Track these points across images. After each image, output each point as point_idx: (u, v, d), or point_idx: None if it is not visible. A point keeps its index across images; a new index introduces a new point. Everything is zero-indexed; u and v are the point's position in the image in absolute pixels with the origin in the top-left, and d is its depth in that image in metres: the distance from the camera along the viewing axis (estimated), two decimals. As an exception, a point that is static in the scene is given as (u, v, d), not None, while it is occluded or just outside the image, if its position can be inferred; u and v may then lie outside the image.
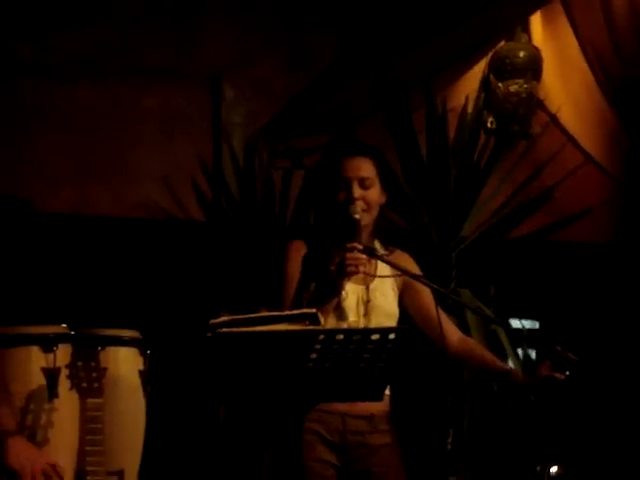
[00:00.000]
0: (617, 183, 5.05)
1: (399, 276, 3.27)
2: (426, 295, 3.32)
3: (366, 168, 3.26)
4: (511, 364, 4.21)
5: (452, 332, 3.34)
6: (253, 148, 5.04)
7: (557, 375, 3.12)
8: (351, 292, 3.22)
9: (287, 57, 5.14)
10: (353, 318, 3.23)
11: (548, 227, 4.70)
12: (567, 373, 3.10)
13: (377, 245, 3.32)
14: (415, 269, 3.35)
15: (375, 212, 3.28)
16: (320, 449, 3.19)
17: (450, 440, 4.19)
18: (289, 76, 5.12)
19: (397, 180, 4.52)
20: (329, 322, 3.15)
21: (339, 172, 3.25)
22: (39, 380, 3.55)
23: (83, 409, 3.54)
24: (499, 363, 3.33)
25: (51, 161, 4.85)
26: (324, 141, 4.80)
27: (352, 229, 3.20)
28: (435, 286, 3.27)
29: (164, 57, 5.02)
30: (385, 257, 3.25)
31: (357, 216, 3.21)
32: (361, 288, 3.26)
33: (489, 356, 3.35)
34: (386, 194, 3.30)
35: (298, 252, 3.28)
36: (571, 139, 5.08)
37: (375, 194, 3.27)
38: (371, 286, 3.27)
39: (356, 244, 3.15)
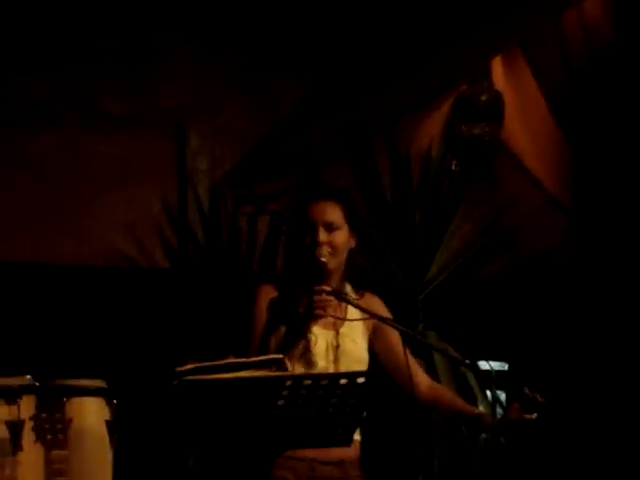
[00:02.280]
0: (579, 222, 5.08)
1: (368, 319, 3.27)
2: (396, 340, 3.32)
3: (332, 212, 3.27)
4: (480, 406, 4.20)
5: (421, 378, 3.34)
6: (218, 194, 5.04)
7: (526, 417, 3.11)
8: (320, 337, 3.22)
9: (250, 102, 5.16)
10: (322, 364, 3.21)
11: (513, 268, 4.72)
12: (535, 415, 3.09)
13: (348, 289, 3.32)
14: (384, 311, 3.35)
15: (343, 256, 3.28)
16: (289, 496, 3.16)
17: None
18: (253, 121, 5.14)
19: (362, 223, 4.53)
20: (298, 368, 3.14)
21: (306, 216, 3.26)
22: (2, 433, 3.50)
23: (48, 462, 3.50)
24: (469, 408, 3.32)
25: (13, 208, 4.82)
26: (288, 185, 4.81)
27: (319, 272, 3.20)
28: (403, 328, 3.26)
29: (127, 104, 5.03)
30: (354, 300, 3.25)
31: (323, 259, 3.22)
32: (331, 333, 3.25)
33: (458, 401, 3.34)
34: (355, 238, 3.31)
35: (266, 296, 3.27)
36: (533, 180, 5.12)
37: (342, 238, 3.27)
38: (341, 331, 3.26)
39: (324, 287, 3.15)
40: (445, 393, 3.39)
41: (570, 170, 5.10)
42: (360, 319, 3.26)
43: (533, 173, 5.12)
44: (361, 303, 3.26)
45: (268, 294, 3.27)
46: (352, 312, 3.27)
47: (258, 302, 3.26)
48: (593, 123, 4.96)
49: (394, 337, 3.31)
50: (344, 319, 3.25)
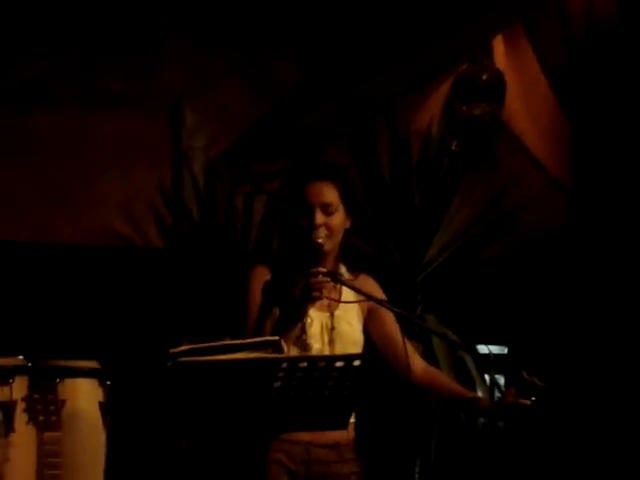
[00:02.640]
0: (580, 203, 5.06)
1: (364, 301, 3.24)
2: (391, 322, 3.29)
3: (329, 193, 3.23)
4: (478, 390, 4.19)
5: (416, 361, 3.31)
6: (214, 173, 5.01)
7: (522, 401, 3.09)
8: (315, 319, 3.19)
9: (248, 81, 5.13)
10: (317, 346, 3.19)
11: (514, 250, 4.70)
12: (533, 399, 3.07)
13: (343, 270, 3.29)
14: (379, 293, 3.32)
15: (339, 237, 3.25)
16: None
17: (418, 469, 4.17)
18: (250, 100, 5.11)
19: (360, 204, 4.50)
20: (293, 350, 3.12)
21: (302, 198, 3.22)
22: (-5, 414, 3.48)
23: (40, 443, 3.50)
24: (464, 391, 3.29)
25: (7, 188, 4.79)
26: (286, 166, 4.78)
27: (315, 254, 3.17)
28: (400, 311, 3.24)
29: (123, 82, 5.00)
30: (349, 282, 3.22)
31: (320, 241, 3.19)
32: (325, 315, 3.22)
33: (454, 385, 3.32)
34: (350, 218, 3.28)
35: (261, 278, 3.24)
36: (534, 161, 5.09)
37: (338, 219, 3.24)
38: (335, 313, 3.24)
39: (320, 268, 3.12)
40: (440, 376, 3.37)
41: (571, 151, 5.08)
42: (355, 301, 3.23)
43: (534, 153, 5.10)
44: (356, 284, 3.23)
45: (263, 275, 3.24)
46: (347, 293, 3.24)
47: (252, 284, 3.23)
48: (595, 103, 4.93)
49: (389, 319, 3.29)
50: (339, 301, 3.22)
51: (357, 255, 3.75)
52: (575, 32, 4.98)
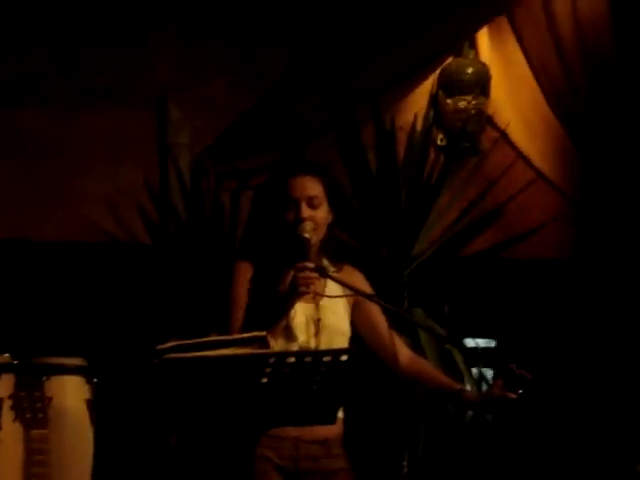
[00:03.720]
0: (567, 198, 5.07)
1: (351, 296, 3.23)
2: (376, 314, 3.29)
3: (313, 187, 3.24)
4: (466, 384, 4.18)
5: (403, 352, 3.31)
6: (200, 169, 4.99)
7: (509, 394, 3.09)
8: (299, 311, 3.18)
9: (233, 76, 5.12)
10: (303, 338, 3.18)
11: (501, 244, 4.71)
12: (520, 391, 3.07)
13: (325, 262, 3.28)
14: (365, 285, 3.32)
15: (323, 231, 3.25)
16: (272, 476, 3.14)
17: (406, 463, 4.17)
18: (235, 95, 5.09)
19: (347, 198, 4.49)
20: (278, 343, 3.11)
21: (286, 192, 3.22)
22: (-19, 412, 3.47)
23: (27, 441, 3.50)
24: (451, 382, 3.29)
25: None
26: (272, 160, 4.77)
27: (302, 249, 3.17)
28: (388, 305, 3.23)
29: (108, 78, 4.98)
30: (335, 275, 3.21)
31: (307, 235, 3.19)
32: (310, 306, 3.22)
33: (440, 376, 3.32)
34: (333, 212, 3.27)
35: (245, 273, 3.23)
36: (521, 155, 5.09)
37: (323, 213, 3.24)
38: (321, 304, 3.23)
39: (307, 263, 3.12)
40: (426, 366, 3.36)
41: (558, 143, 5.08)
42: (341, 296, 3.22)
43: (520, 147, 5.10)
44: (342, 277, 3.22)
45: (246, 271, 3.23)
46: (332, 286, 3.23)
47: (236, 279, 3.22)
48: (582, 94, 4.93)
49: (374, 310, 3.29)
50: (324, 295, 3.21)
51: (344, 250, 3.75)
52: (560, 22, 4.98)
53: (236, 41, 5.12)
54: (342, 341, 3.23)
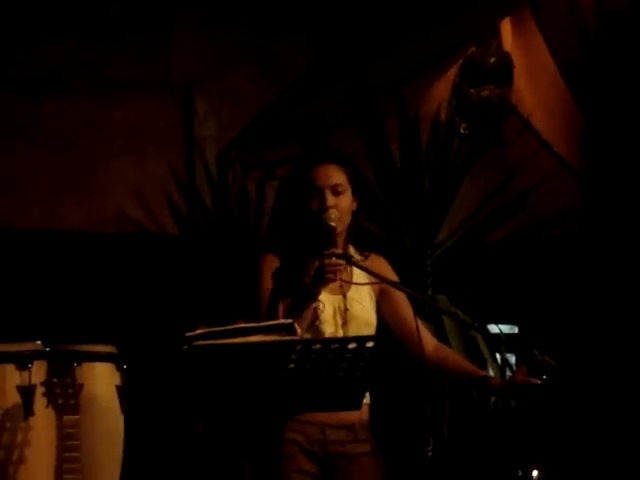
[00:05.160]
0: (589, 185, 5.06)
1: (378, 283, 3.25)
2: (403, 302, 3.31)
3: (337, 175, 3.25)
4: (490, 370, 4.20)
5: (428, 340, 3.33)
6: (226, 160, 5.02)
7: (532, 380, 3.11)
8: (328, 303, 3.20)
9: (258, 68, 5.13)
10: (331, 329, 3.20)
11: (524, 231, 4.71)
12: (544, 377, 3.09)
13: (352, 251, 3.30)
14: (391, 274, 3.34)
15: (348, 218, 3.27)
16: (300, 459, 3.17)
17: (430, 448, 4.18)
18: (260, 87, 5.11)
19: (371, 188, 4.52)
20: (307, 337, 3.11)
21: (310, 181, 3.23)
22: (14, 398, 3.53)
23: (59, 426, 3.54)
24: (474, 369, 3.31)
25: (22, 177, 4.81)
26: (297, 151, 4.79)
27: (328, 237, 3.18)
28: (413, 292, 3.26)
29: (134, 70, 5.00)
30: (361, 263, 3.23)
31: (333, 223, 3.19)
32: (338, 298, 3.23)
33: (465, 363, 3.34)
34: (357, 200, 3.29)
35: (271, 265, 3.25)
36: (543, 143, 5.09)
37: (347, 201, 3.25)
38: (348, 295, 3.25)
39: (334, 250, 3.13)
40: (451, 354, 3.38)
41: (580, 132, 5.07)
42: (367, 283, 3.24)
43: (543, 135, 5.09)
44: (367, 265, 3.24)
45: (272, 263, 3.25)
46: (358, 274, 3.25)
47: (262, 273, 3.24)
48: (603, 84, 4.92)
49: (401, 298, 3.30)
50: (351, 282, 3.23)
51: (368, 238, 3.78)
52: (583, 12, 4.96)
53: (259, 33, 5.13)
54: (368, 331, 3.24)
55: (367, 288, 3.29)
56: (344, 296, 3.24)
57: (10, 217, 4.72)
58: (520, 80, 5.11)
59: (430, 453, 4.16)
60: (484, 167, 4.70)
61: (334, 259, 3.11)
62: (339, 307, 3.23)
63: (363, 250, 3.32)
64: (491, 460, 4.47)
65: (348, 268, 3.23)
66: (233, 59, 5.11)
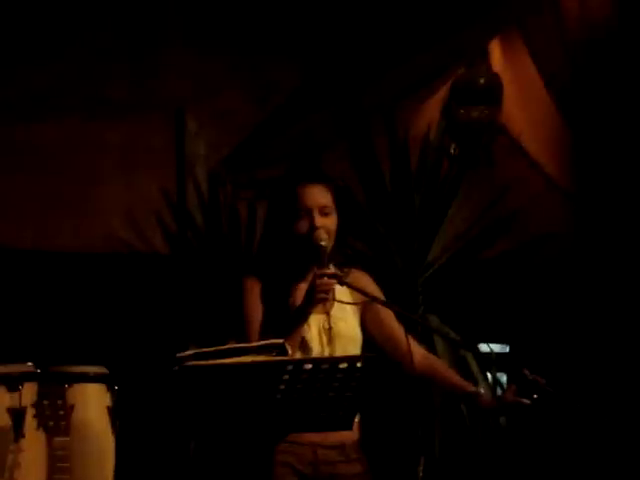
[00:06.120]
0: (578, 204, 5.08)
1: (368, 302, 3.23)
2: (387, 314, 3.30)
3: (325, 196, 3.24)
4: (481, 388, 4.20)
5: (415, 349, 3.29)
6: (217, 179, 5.04)
7: (522, 400, 3.11)
8: (312, 322, 3.19)
9: (248, 87, 5.15)
10: (317, 349, 3.19)
11: (515, 250, 4.72)
12: (535, 397, 3.09)
13: (332, 269, 3.27)
14: (374, 287, 3.32)
15: (334, 238, 3.24)
16: (291, 481, 3.17)
17: (422, 467, 4.18)
18: (251, 106, 5.13)
19: (361, 207, 4.53)
20: (297, 354, 3.11)
21: (298, 202, 3.22)
22: (5, 420, 3.52)
23: (50, 448, 3.53)
24: (464, 383, 3.30)
25: (12, 197, 4.82)
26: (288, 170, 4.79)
27: (318, 256, 3.17)
28: (404, 311, 3.26)
29: (126, 90, 5.02)
30: (351, 282, 3.21)
31: (323, 243, 3.18)
32: (322, 317, 3.22)
33: (454, 377, 3.32)
34: (340, 219, 3.26)
35: (254, 288, 3.23)
36: (532, 163, 5.11)
37: (334, 221, 3.25)
38: (331, 313, 3.23)
39: (326, 270, 3.12)
40: (439, 364, 3.36)
41: (570, 152, 5.09)
42: (355, 303, 3.23)
43: (532, 156, 5.11)
44: (352, 282, 3.22)
45: (254, 285, 3.23)
46: (341, 292, 3.23)
47: (247, 295, 3.23)
48: (593, 105, 4.95)
49: (386, 313, 3.29)
50: (340, 301, 3.21)
51: (358, 257, 3.78)
52: (571, 33, 4.99)
53: (249, 53, 5.15)
54: (355, 347, 3.24)
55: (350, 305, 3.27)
56: (327, 314, 3.23)
57: (1, 237, 4.72)
58: (509, 100, 5.14)
59: (421, 472, 4.16)
60: (474, 187, 4.72)
61: (325, 279, 3.11)
62: (323, 326, 3.22)
63: (344, 266, 3.29)
64: (482, 479, 4.47)
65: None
66: (224, 79, 5.13)
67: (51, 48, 4.88)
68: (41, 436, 3.54)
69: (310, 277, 3.15)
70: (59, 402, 3.50)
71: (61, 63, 4.91)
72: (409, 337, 3.26)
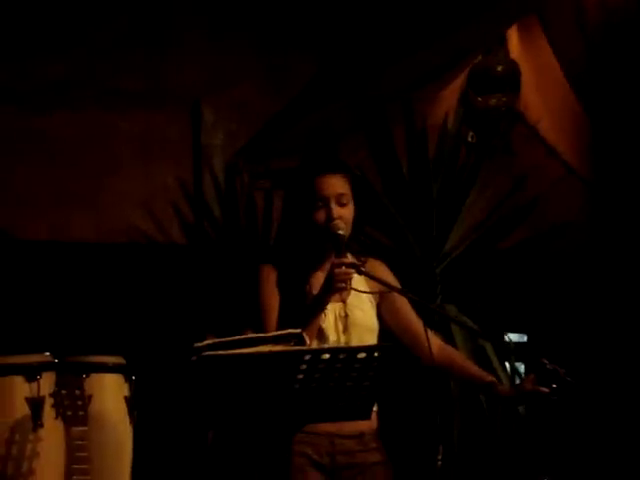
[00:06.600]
0: (597, 192, 5.05)
1: (387, 292, 3.23)
2: (404, 304, 3.30)
3: (342, 185, 3.24)
4: (500, 378, 4.20)
5: (433, 341, 3.30)
6: (234, 170, 5.04)
7: (541, 389, 3.10)
8: (328, 310, 3.19)
9: (265, 78, 5.15)
10: (333, 337, 3.19)
11: (533, 239, 4.70)
12: (553, 386, 3.08)
13: (350, 258, 3.26)
14: (391, 277, 3.32)
15: (350, 227, 3.25)
16: (309, 471, 3.16)
17: (440, 457, 4.17)
18: (267, 97, 5.12)
19: (379, 197, 4.52)
20: (313, 343, 3.11)
21: (315, 191, 3.21)
22: (23, 410, 3.54)
23: (68, 438, 3.54)
24: (482, 373, 3.30)
25: (30, 188, 4.83)
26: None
27: (336, 246, 3.17)
28: (421, 300, 3.25)
29: (142, 81, 5.02)
30: (369, 271, 3.20)
31: (341, 232, 3.18)
32: (338, 305, 3.22)
33: (472, 367, 3.32)
34: (357, 208, 3.26)
35: (269, 276, 3.24)
36: (550, 150, 5.09)
37: (351, 210, 3.24)
38: (348, 301, 3.23)
39: (344, 259, 3.12)
40: (457, 354, 3.37)
41: (588, 140, 5.06)
42: (370, 292, 3.23)
43: (551, 143, 5.09)
44: (369, 271, 3.20)
45: (270, 274, 3.24)
46: (358, 280, 3.22)
47: (263, 283, 3.23)
48: (611, 92, 4.92)
49: (402, 302, 3.29)
50: (359, 290, 3.21)
51: (377, 247, 3.77)
52: (590, 20, 4.96)
53: (266, 44, 5.15)
54: (371, 336, 3.24)
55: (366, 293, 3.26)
56: (344, 302, 3.22)
57: (19, 229, 4.73)
58: (527, 88, 5.11)
59: (440, 462, 4.15)
60: (492, 175, 4.70)
61: (344, 268, 3.10)
62: (339, 314, 3.22)
63: (360, 255, 3.29)
64: (501, 469, 4.46)
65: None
66: (241, 69, 5.12)
67: (67, 39, 4.89)
68: (59, 426, 3.55)
69: (327, 266, 3.16)
70: (77, 392, 3.50)
71: (77, 54, 4.91)
72: (426, 328, 3.25)
